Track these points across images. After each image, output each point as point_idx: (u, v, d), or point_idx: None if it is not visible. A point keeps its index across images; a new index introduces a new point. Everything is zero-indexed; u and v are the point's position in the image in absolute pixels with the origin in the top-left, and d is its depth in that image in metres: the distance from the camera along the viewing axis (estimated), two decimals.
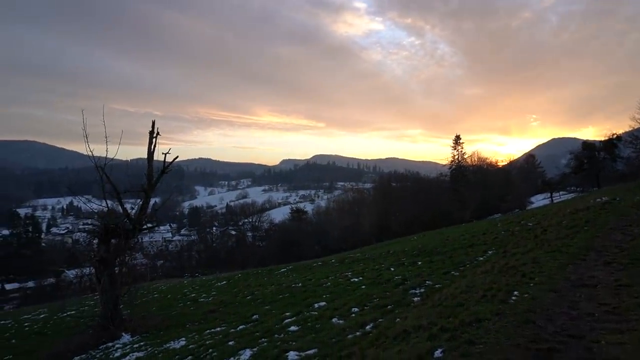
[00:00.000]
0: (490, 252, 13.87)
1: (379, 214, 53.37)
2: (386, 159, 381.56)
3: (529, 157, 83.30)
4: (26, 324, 19.73)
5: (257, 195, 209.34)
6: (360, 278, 13.95)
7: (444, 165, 60.38)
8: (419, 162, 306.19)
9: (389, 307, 8.96)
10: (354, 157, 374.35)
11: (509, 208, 49.13)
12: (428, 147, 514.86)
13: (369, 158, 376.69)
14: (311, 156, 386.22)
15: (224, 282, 22.77)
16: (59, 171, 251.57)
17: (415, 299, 9.27)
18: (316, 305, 10.80)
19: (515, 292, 7.12)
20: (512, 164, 75.72)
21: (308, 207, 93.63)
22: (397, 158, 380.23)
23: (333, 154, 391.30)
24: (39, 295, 55.25)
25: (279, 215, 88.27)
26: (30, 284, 70.33)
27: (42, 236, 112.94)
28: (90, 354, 11.09)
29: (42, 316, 21.66)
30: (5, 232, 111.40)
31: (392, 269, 14.78)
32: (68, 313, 20.11)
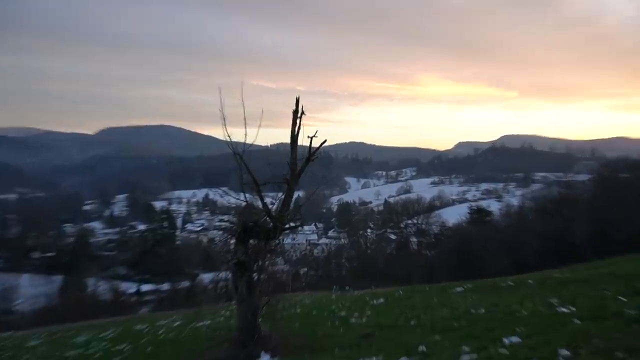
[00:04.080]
0: None
1: (600, 218, 48.76)
2: (610, 139, 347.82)
3: None
4: (161, 331, 22.85)
5: (423, 188, 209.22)
6: (572, 308, 12.87)
7: None
8: None
9: (618, 354, 8.07)
10: (560, 137, 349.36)
11: None
12: None
13: (584, 139, 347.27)
14: (498, 137, 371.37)
15: (381, 299, 23.14)
16: (194, 159, 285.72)
17: None
18: (506, 341, 10.28)
19: None
20: None
21: (494, 206, 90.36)
22: (629, 138, 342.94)
23: (529, 133, 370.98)
24: (173, 300, 63.85)
25: (454, 215, 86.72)
26: (165, 286, 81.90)
27: (177, 233, 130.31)
28: None
29: (176, 324, 24.86)
30: (142, 226, 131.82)
31: (621, 298, 13.34)
32: (203, 322, 22.67)
